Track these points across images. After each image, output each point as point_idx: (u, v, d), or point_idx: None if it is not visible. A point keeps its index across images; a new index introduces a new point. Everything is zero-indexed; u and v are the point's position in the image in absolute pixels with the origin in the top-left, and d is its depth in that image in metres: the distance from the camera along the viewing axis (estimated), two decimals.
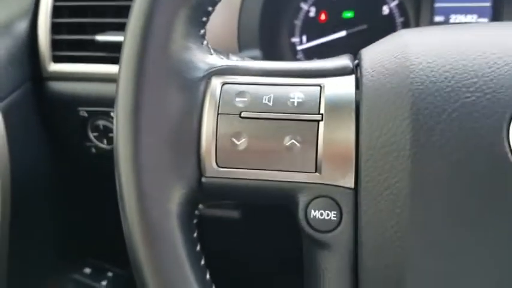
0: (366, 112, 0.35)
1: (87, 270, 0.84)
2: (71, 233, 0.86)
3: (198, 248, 0.36)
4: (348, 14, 0.87)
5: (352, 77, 0.38)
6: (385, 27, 0.86)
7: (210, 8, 0.40)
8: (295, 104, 0.37)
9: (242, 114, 0.37)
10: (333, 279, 0.35)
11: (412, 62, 0.34)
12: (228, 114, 0.37)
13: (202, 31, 0.40)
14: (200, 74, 0.38)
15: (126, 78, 0.35)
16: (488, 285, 0.31)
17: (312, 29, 0.88)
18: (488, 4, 0.82)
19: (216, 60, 0.41)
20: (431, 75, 0.34)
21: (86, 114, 0.79)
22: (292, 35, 0.89)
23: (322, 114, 0.36)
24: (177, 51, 0.36)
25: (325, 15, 0.88)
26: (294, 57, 0.89)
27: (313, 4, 0.87)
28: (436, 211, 0.31)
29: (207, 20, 0.41)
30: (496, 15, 0.81)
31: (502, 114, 0.31)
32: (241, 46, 0.72)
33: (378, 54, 0.38)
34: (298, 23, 0.88)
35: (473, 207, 0.31)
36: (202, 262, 0.36)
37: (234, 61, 0.42)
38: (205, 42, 0.41)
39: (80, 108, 0.80)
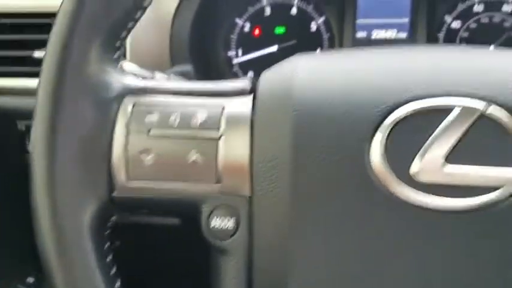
0: (257, 130, 0.40)
1: (30, 280, 0.85)
2: (13, 244, 0.87)
3: (110, 258, 0.40)
4: (280, 30, 0.93)
5: (250, 98, 0.43)
6: (314, 42, 0.92)
7: (123, 34, 0.43)
8: (199, 123, 0.41)
9: (150, 132, 0.41)
10: (231, 282, 0.39)
11: (297, 88, 0.39)
12: (137, 132, 0.41)
13: (116, 54, 0.44)
14: (114, 94, 0.42)
15: (43, 97, 0.38)
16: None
17: (247, 43, 0.93)
18: (406, 20, 0.90)
19: (131, 81, 0.44)
20: (312, 101, 0.38)
21: (24, 128, 0.81)
22: (228, 48, 0.94)
23: (222, 132, 0.41)
24: (92, 73, 0.40)
25: (259, 31, 0.93)
26: (230, 70, 0.94)
27: (247, 20, 0.93)
28: (313, 219, 0.37)
29: (122, 44, 0.45)
30: (414, 30, 0.89)
31: (366, 135, 0.37)
32: (173, 61, 0.76)
33: (271, 78, 0.43)
34: (233, 37, 0.93)
35: (343, 215, 0.36)
36: (113, 271, 0.40)
37: (149, 81, 0.46)
38: (121, 64, 0.45)
39: (19, 122, 0.82)
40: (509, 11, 0.87)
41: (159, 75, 0.53)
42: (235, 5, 0.91)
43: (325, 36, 0.92)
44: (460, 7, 0.88)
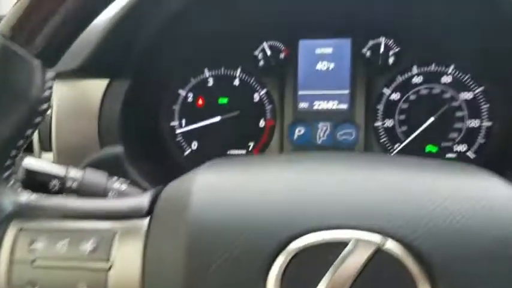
0: (150, 259, 0.36)
1: None
2: None
3: None
4: (223, 100, 0.93)
5: (146, 221, 0.39)
6: (256, 113, 0.93)
7: (13, 152, 0.41)
8: (88, 251, 0.37)
9: (35, 263, 0.37)
10: None
11: (193, 213, 0.36)
12: (22, 261, 0.38)
13: (6, 174, 0.41)
14: None
15: None
16: None
17: (190, 113, 0.93)
18: (346, 92, 0.91)
19: (21, 202, 0.41)
20: (208, 227, 0.35)
21: None
22: (172, 119, 0.94)
23: (112, 262, 0.37)
24: None
25: (202, 101, 0.94)
26: (173, 140, 0.94)
27: (190, 90, 0.93)
28: None
29: (13, 162, 0.42)
30: (353, 101, 0.90)
31: (262, 265, 0.34)
32: (102, 144, 0.75)
33: (169, 199, 0.40)
34: (176, 107, 0.94)
35: None
36: None
37: (42, 199, 0.43)
38: (11, 183, 0.42)
39: None
40: (448, 82, 0.88)
41: (72, 171, 0.51)
42: (177, 77, 0.92)
43: (268, 107, 0.92)
44: (399, 79, 0.89)
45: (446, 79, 0.89)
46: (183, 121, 0.94)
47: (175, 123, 0.94)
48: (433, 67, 0.89)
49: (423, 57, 0.89)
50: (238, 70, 0.92)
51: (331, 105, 0.91)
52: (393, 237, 0.33)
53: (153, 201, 0.40)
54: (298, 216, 0.34)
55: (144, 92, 0.80)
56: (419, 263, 0.32)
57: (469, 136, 0.88)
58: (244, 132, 0.93)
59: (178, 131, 0.94)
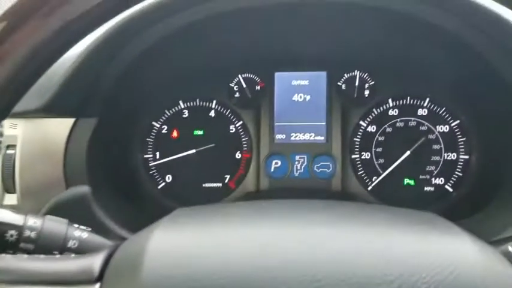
0: None
1: None
2: None
3: None
4: (199, 132, 0.92)
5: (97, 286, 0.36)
6: (232, 145, 0.91)
7: None
8: None
9: None
10: None
11: (145, 273, 0.34)
12: None
13: None
14: None
15: None
16: None
17: (165, 145, 0.91)
18: (323, 124, 0.90)
19: None
20: (160, 284, 0.33)
21: None
22: (145, 151, 0.91)
23: None
24: None
25: (177, 133, 0.92)
26: (147, 173, 0.91)
27: (165, 122, 0.92)
28: None
29: None
30: (329, 134, 0.89)
31: None
32: (68, 184, 0.72)
33: (123, 256, 0.37)
34: (150, 140, 0.92)
35: None
36: None
37: None
38: None
39: None
40: (424, 114, 0.88)
41: (31, 220, 0.48)
42: (151, 109, 0.90)
43: (244, 139, 0.91)
44: (375, 112, 0.89)
45: (422, 112, 0.89)
46: (157, 153, 0.91)
47: (149, 155, 0.91)
48: (408, 100, 0.89)
49: (398, 90, 0.89)
50: (214, 102, 0.91)
51: (308, 136, 0.90)
52: None
53: (106, 263, 0.37)
54: (254, 282, 0.32)
55: (113, 127, 0.77)
56: None
57: (446, 169, 0.88)
58: (220, 165, 0.91)
59: (152, 163, 0.91)
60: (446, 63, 0.82)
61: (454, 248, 0.34)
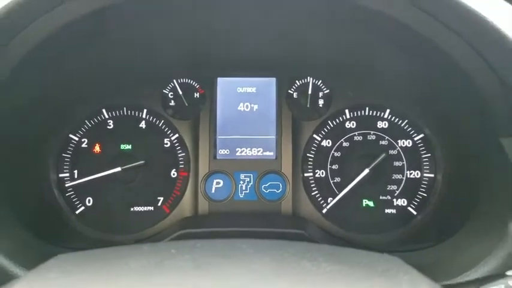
0: None
1: None
2: None
3: None
4: (126, 147, 0.78)
5: None
6: (167, 162, 0.78)
7: None
8: None
9: None
10: None
11: None
12: None
13: None
14: None
15: None
16: None
17: (84, 162, 0.77)
18: (273, 137, 0.78)
19: None
20: None
21: None
22: (61, 169, 0.76)
23: None
24: None
25: (100, 147, 0.77)
26: (62, 195, 0.76)
27: (85, 135, 0.77)
28: None
29: None
30: (279, 148, 0.78)
31: None
32: None
33: None
34: (67, 155, 0.77)
35: None
36: None
37: None
38: None
39: None
40: (385, 127, 0.79)
41: None
42: (67, 119, 0.75)
43: (180, 155, 0.78)
44: (330, 124, 0.79)
45: (382, 125, 0.79)
46: (75, 172, 0.77)
47: (65, 174, 0.76)
48: (367, 111, 0.79)
49: (356, 100, 0.79)
50: (145, 111, 0.78)
51: (256, 152, 0.78)
52: None
53: None
54: None
55: (16, 141, 0.62)
56: None
57: (409, 189, 0.78)
58: (151, 185, 0.77)
59: (68, 184, 0.76)
60: (410, 73, 0.73)
61: None
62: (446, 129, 0.76)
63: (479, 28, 0.50)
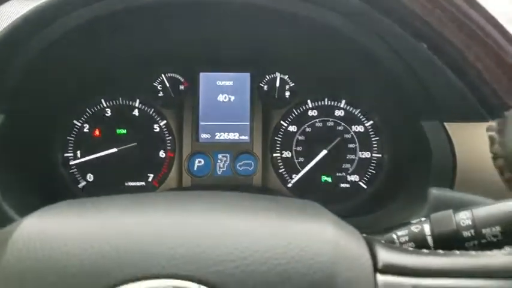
0: None
1: None
2: None
3: None
4: (122, 131, 0.91)
5: None
6: (156, 144, 0.92)
7: None
8: None
9: None
10: None
11: (9, 257, 0.34)
12: None
13: None
14: None
15: None
16: None
17: (86, 144, 0.90)
18: (247, 123, 0.92)
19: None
20: (24, 273, 0.34)
21: None
22: (66, 150, 0.90)
23: None
24: None
25: (99, 132, 0.91)
26: (67, 171, 0.89)
27: (86, 121, 0.90)
28: None
29: None
30: (252, 133, 0.92)
31: None
32: None
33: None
34: (71, 138, 0.90)
35: None
36: None
37: None
38: None
39: None
40: (341, 115, 0.93)
41: None
42: (71, 107, 0.89)
43: (168, 138, 0.92)
44: (295, 112, 0.93)
45: (339, 113, 0.94)
46: (78, 152, 0.90)
47: (69, 154, 0.90)
48: (326, 101, 0.93)
49: (317, 92, 0.93)
50: (137, 101, 0.91)
51: (233, 136, 0.92)
52: (207, 284, 0.33)
53: None
54: (115, 268, 0.34)
55: (28, 125, 0.76)
56: None
57: (361, 167, 0.93)
58: (143, 164, 0.91)
59: (72, 162, 0.90)
60: (361, 69, 0.87)
61: (313, 229, 0.37)
62: (389, 117, 0.90)
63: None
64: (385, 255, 0.37)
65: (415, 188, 0.76)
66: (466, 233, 0.54)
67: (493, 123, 0.37)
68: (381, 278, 0.35)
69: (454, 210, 0.56)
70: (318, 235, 0.36)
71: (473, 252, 0.43)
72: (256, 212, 0.40)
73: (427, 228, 0.56)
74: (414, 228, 0.57)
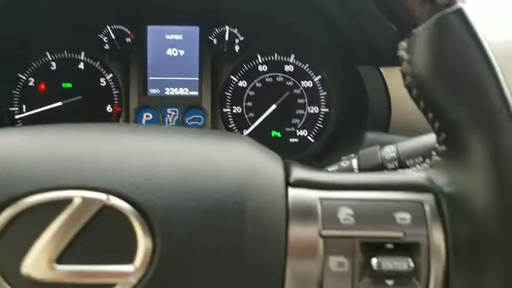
0: None
1: None
2: None
3: None
4: (67, 85, 0.90)
5: None
6: (103, 98, 0.91)
7: None
8: None
9: None
10: None
11: None
12: None
13: None
14: None
15: None
16: None
17: (32, 98, 0.89)
18: (196, 78, 0.92)
19: None
20: None
21: None
22: (11, 104, 0.88)
23: None
24: None
25: (45, 86, 0.89)
26: (13, 125, 0.88)
27: (32, 75, 0.89)
28: None
29: None
30: (201, 88, 0.91)
31: None
32: None
33: None
34: (16, 92, 0.88)
35: None
36: None
37: None
38: None
39: None
40: (290, 71, 0.93)
41: None
42: (16, 60, 0.87)
43: (115, 92, 0.91)
44: (245, 67, 0.93)
45: (288, 68, 0.94)
46: (24, 106, 0.89)
47: (14, 108, 0.88)
48: (275, 56, 0.93)
49: (266, 47, 0.93)
50: (83, 54, 0.90)
51: (183, 91, 0.92)
52: (116, 194, 0.34)
53: None
54: (21, 179, 0.34)
55: None
56: (141, 217, 0.33)
57: (309, 122, 0.94)
58: (89, 118, 0.90)
59: (18, 116, 0.88)
60: (310, 22, 0.87)
61: (229, 145, 0.38)
62: (338, 72, 0.91)
63: None
64: (298, 173, 0.38)
65: (354, 135, 0.78)
66: (390, 165, 0.56)
67: (403, 42, 0.37)
68: (292, 191, 0.36)
69: (381, 146, 0.58)
70: (233, 150, 0.37)
71: (386, 171, 0.44)
72: (173, 132, 0.40)
73: (354, 163, 0.59)
74: (343, 164, 0.59)
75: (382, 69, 0.71)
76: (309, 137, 0.94)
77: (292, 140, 0.94)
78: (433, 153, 0.40)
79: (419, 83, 0.37)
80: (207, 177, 0.35)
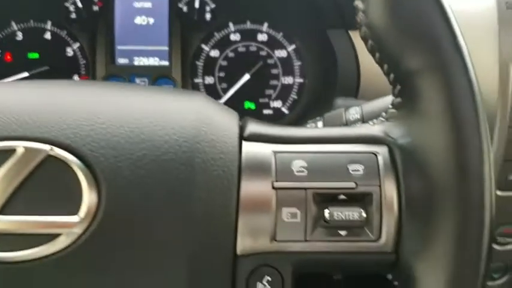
0: None
1: None
2: None
3: None
4: (34, 55, 0.88)
5: None
6: (70, 68, 0.88)
7: None
8: None
9: None
10: None
11: None
12: None
13: None
14: None
15: None
16: None
17: None
18: (166, 48, 0.89)
19: None
20: None
21: None
22: None
23: None
24: None
25: (11, 56, 0.87)
26: None
27: None
28: None
29: None
30: (171, 58, 0.89)
31: None
32: None
33: None
34: None
35: None
36: None
37: None
38: None
39: None
40: (264, 40, 0.91)
41: None
42: None
43: (82, 62, 0.88)
44: (217, 36, 0.90)
45: (262, 37, 0.91)
46: None
47: None
48: (248, 25, 0.90)
49: (238, 14, 0.90)
50: (49, 23, 0.87)
51: (153, 61, 0.89)
52: (60, 145, 0.34)
53: None
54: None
55: None
56: (86, 168, 0.33)
57: (284, 93, 0.91)
58: None
59: None
60: None
61: (183, 99, 0.39)
62: (312, 41, 0.88)
63: None
64: (253, 127, 0.39)
65: (325, 101, 0.75)
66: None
67: None
68: (246, 145, 0.37)
69: (346, 108, 0.56)
70: (185, 103, 0.38)
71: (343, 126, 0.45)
72: (125, 86, 0.41)
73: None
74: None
75: (351, 33, 0.68)
76: (283, 109, 0.91)
77: (266, 111, 0.91)
78: (389, 106, 0.39)
79: (374, 33, 0.37)
80: (156, 128, 0.35)
